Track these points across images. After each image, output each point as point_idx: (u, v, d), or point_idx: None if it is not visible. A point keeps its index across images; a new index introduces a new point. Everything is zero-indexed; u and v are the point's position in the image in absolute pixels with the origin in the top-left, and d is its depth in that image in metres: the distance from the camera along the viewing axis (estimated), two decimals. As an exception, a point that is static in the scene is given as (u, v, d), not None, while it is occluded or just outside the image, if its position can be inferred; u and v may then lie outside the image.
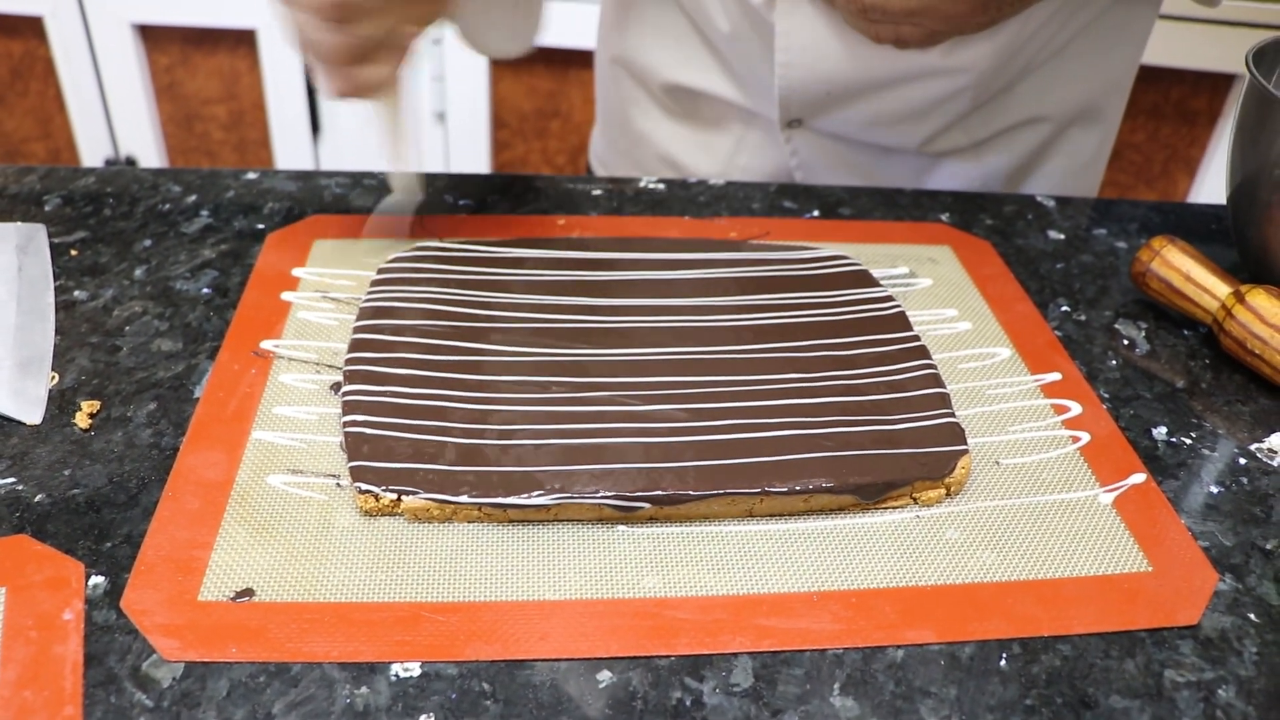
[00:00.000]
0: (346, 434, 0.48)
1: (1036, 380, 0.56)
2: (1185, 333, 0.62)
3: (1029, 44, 0.71)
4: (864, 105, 0.74)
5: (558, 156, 1.82)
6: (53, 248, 0.62)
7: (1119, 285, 0.66)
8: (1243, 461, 0.53)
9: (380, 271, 0.59)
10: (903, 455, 0.48)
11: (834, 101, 0.74)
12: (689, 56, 0.80)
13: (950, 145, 0.78)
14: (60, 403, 0.51)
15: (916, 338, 0.56)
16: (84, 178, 0.69)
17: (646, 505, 0.45)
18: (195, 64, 1.74)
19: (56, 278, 0.59)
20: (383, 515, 0.46)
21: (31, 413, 0.50)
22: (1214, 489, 0.51)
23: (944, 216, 0.71)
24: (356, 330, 0.54)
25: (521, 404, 0.50)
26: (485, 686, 0.39)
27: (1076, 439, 0.53)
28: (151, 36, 1.71)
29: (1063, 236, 0.70)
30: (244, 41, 1.71)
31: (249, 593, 0.42)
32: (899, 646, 0.42)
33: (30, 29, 1.70)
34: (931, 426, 0.50)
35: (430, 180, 0.71)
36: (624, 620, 0.42)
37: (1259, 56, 0.63)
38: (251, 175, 0.70)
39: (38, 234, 0.62)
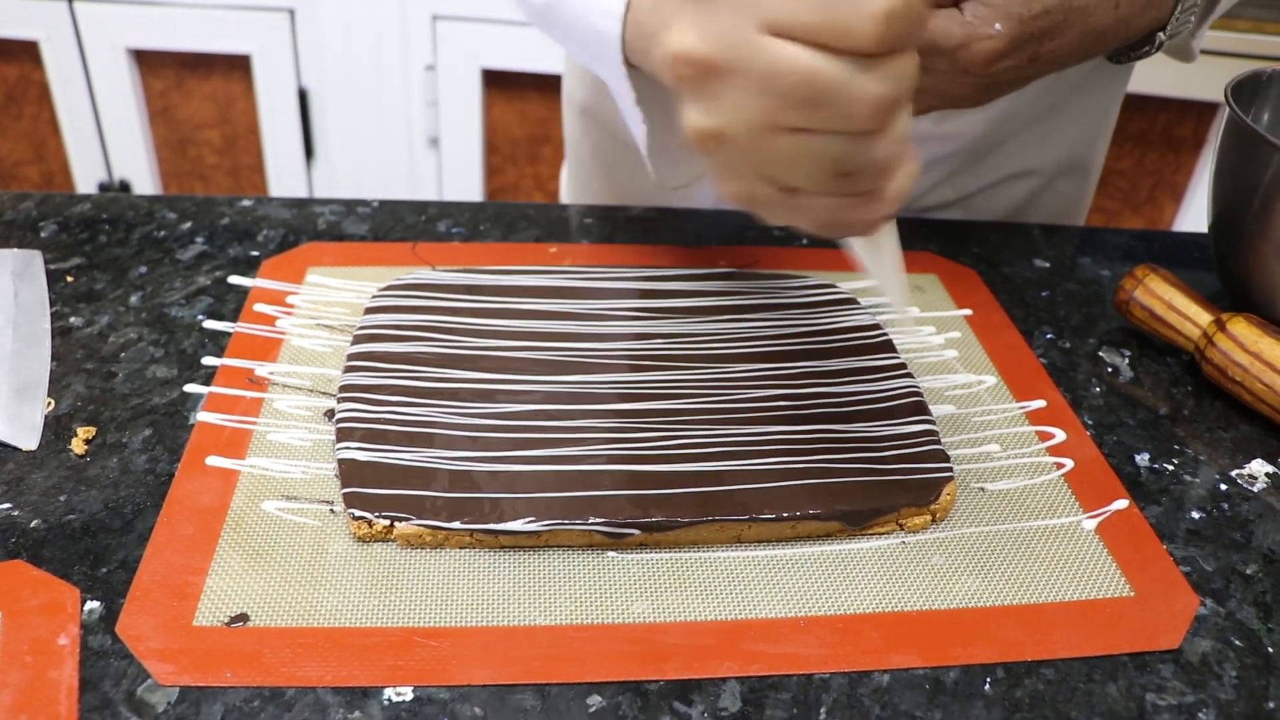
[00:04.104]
0: (340, 460, 0.48)
1: (1021, 407, 0.57)
2: (1168, 360, 0.63)
3: (1022, 106, 0.72)
4: None
5: (550, 182, 1.83)
6: (49, 274, 0.62)
7: (1103, 313, 0.67)
8: (1223, 487, 0.53)
9: (374, 299, 0.59)
10: (889, 482, 0.49)
11: None
12: (667, 111, 0.78)
13: (939, 200, 0.79)
14: (56, 429, 0.51)
15: (903, 365, 0.57)
16: (80, 204, 0.69)
17: (636, 532, 0.46)
18: (189, 89, 1.75)
19: (52, 304, 0.60)
20: (375, 541, 0.46)
21: (27, 439, 0.50)
22: (1195, 515, 0.52)
23: (931, 245, 0.72)
24: (350, 357, 0.54)
25: (513, 431, 0.50)
26: (476, 711, 0.40)
27: (1060, 465, 0.53)
28: (146, 61, 1.72)
29: (1048, 265, 0.71)
30: (238, 67, 1.72)
31: (243, 618, 0.42)
32: (885, 671, 0.42)
33: (25, 53, 1.71)
34: (917, 453, 0.51)
35: (423, 207, 0.72)
36: (613, 645, 0.42)
37: (1238, 90, 0.65)
38: (246, 202, 0.71)
39: (34, 260, 0.63)
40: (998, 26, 0.55)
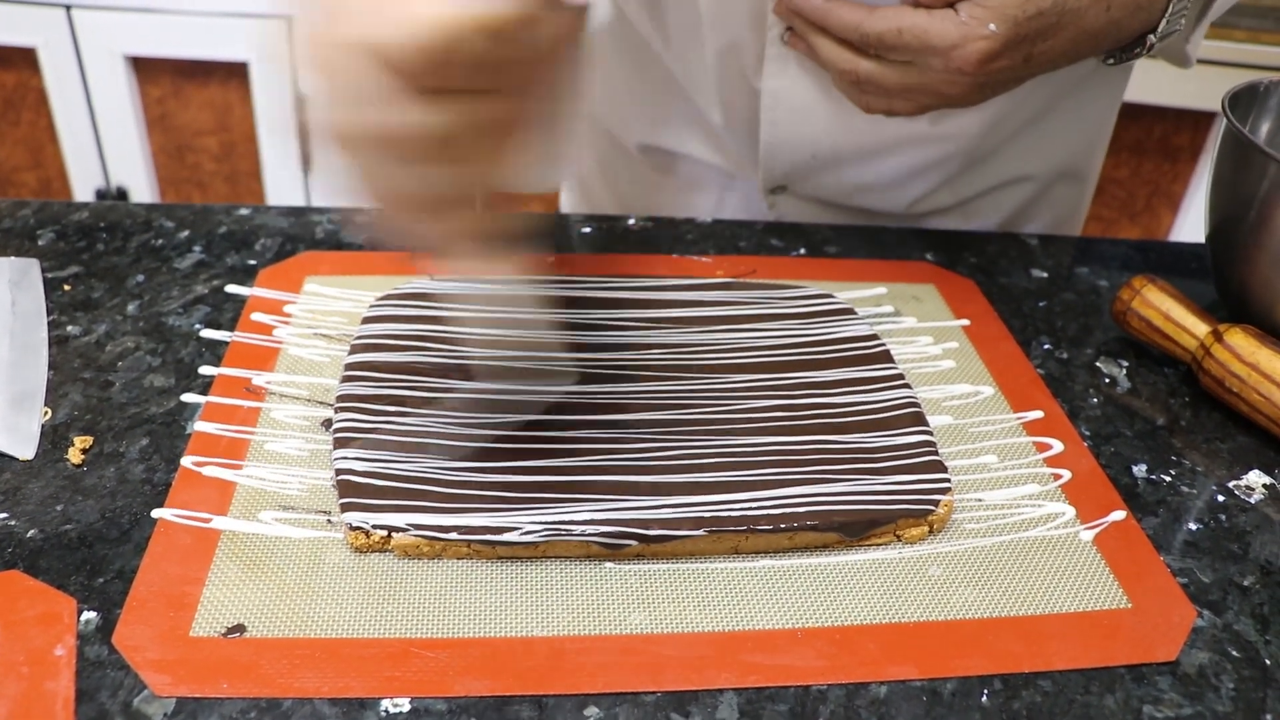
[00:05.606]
0: (337, 470, 0.48)
1: (1019, 418, 0.57)
2: (1165, 371, 0.63)
3: (1018, 109, 0.72)
4: (850, 171, 0.74)
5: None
6: (46, 282, 0.62)
7: (1100, 323, 0.67)
8: (1221, 499, 0.54)
9: (372, 308, 0.59)
10: (886, 493, 0.49)
11: (819, 167, 0.74)
12: (666, 117, 0.78)
13: (936, 205, 0.79)
14: (53, 438, 0.51)
15: (900, 375, 0.57)
16: (78, 212, 0.69)
17: (633, 543, 0.46)
18: (187, 95, 1.75)
19: (50, 313, 0.60)
20: (373, 552, 0.46)
21: (24, 448, 0.50)
22: (1193, 526, 0.52)
23: (928, 255, 0.72)
24: (348, 367, 0.54)
25: (509, 441, 0.50)
26: (474, 723, 0.40)
27: (1058, 476, 0.53)
28: (143, 68, 1.72)
29: (1045, 275, 0.71)
30: (235, 74, 1.72)
31: (240, 629, 0.42)
32: (882, 683, 0.42)
33: (23, 60, 1.71)
34: (915, 464, 0.51)
35: (421, 216, 0.72)
36: (611, 656, 0.42)
37: (1234, 101, 0.65)
38: (244, 211, 0.71)
39: (31, 269, 0.63)
40: (992, 27, 0.55)
